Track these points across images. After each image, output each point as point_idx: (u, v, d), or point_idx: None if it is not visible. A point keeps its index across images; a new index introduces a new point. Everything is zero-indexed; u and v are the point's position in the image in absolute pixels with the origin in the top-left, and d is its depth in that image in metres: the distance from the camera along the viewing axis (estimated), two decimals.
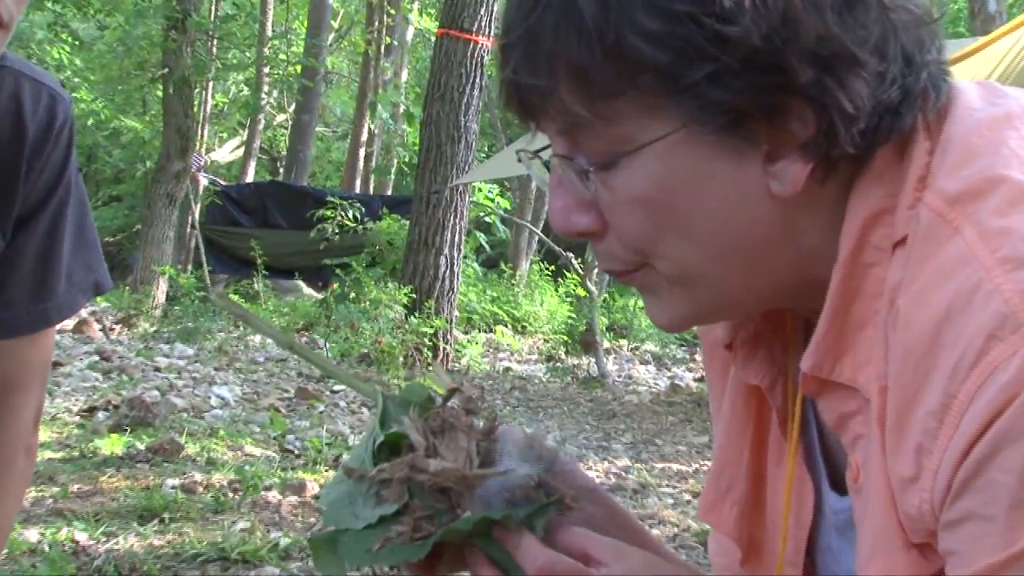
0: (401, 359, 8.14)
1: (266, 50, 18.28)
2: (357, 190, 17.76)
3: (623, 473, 5.59)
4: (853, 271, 0.76)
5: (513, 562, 0.81)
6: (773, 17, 0.71)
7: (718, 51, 0.71)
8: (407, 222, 10.08)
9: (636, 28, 0.71)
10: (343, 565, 0.82)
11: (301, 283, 14.40)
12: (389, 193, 19.67)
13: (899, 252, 0.75)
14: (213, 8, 15.57)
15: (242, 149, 21.36)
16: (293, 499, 4.25)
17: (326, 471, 4.81)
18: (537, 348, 12.29)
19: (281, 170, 21.47)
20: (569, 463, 0.93)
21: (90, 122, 20.00)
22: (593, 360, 10.00)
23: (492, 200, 12.83)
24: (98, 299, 10.93)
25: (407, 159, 16.00)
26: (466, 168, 9.14)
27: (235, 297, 13.12)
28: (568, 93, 0.74)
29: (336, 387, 7.50)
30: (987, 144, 0.74)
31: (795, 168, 0.75)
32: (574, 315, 12.48)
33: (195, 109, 13.87)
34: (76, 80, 19.26)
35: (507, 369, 10.04)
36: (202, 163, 14.75)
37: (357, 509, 0.82)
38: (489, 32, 9.05)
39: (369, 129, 18.78)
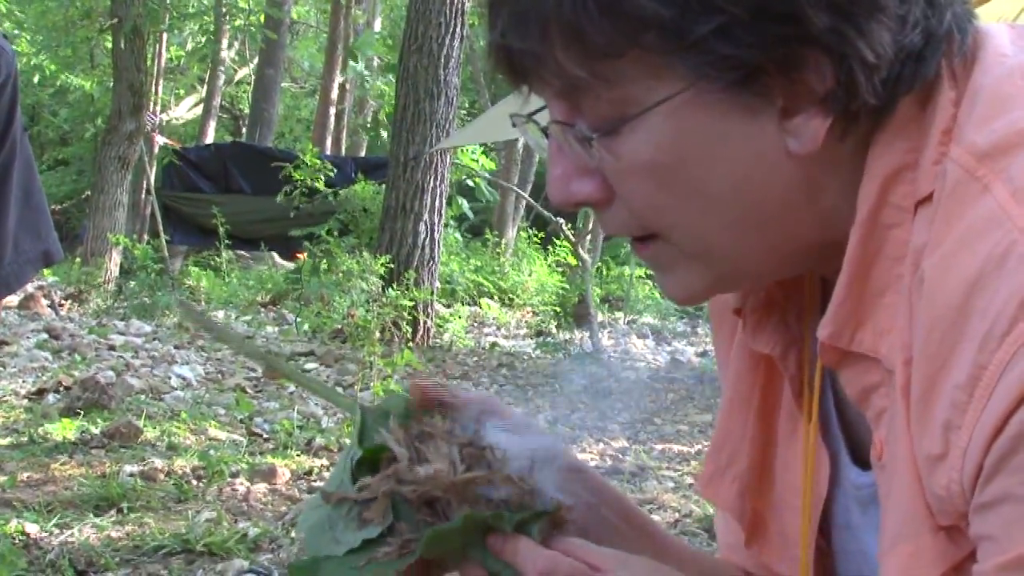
0: (377, 334, 8.15)
1: None
2: (328, 151, 17.70)
3: (620, 455, 5.64)
4: (872, 232, 0.77)
5: (512, 571, 0.82)
6: None
7: (726, 2, 0.71)
8: (383, 187, 10.07)
9: None
10: None
11: (275, 254, 14.38)
12: (363, 155, 19.61)
13: (922, 211, 0.75)
14: None
15: (201, 107, 21.23)
16: (262, 486, 4.27)
17: (297, 455, 4.84)
18: (526, 322, 12.33)
19: (244, 130, 21.36)
20: (576, 463, 0.94)
21: (36, 79, 19.81)
22: (587, 334, 10.04)
23: (476, 161, 12.80)
24: (46, 272, 10.90)
25: (386, 111, 15.91)
26: (446, 126, 9.11)
27: (195, 269, 13.10)
28: (564, 55, 0.74)
29: (307, 365, 7.52)
30: (1019, 93, 0.74)
31: (814, 123, 0.75)
32: (566, 286, 12.51)
33: (148, 63, 13.76)
34: (16, 32, 19.07)
35: (494, 344, 10.07)
36: (156, 122, 14.66)
37: (338, 534, 0.83)
38: None
39: (341, 84, 18.68)
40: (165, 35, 17.24)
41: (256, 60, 20.40)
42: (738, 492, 0.99)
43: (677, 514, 4.43)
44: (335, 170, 12.32)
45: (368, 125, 20.10)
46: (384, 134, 20.35)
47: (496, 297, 13.24)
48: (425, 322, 9.15)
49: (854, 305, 0.78)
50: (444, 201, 9.47)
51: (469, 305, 12.57)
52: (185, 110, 22.52)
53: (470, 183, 13.51)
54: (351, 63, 15.79)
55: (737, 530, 1.00)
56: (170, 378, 6.48)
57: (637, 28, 0.72)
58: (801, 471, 0.93)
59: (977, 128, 0.74)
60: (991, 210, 0.69)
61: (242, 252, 14.00)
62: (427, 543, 0.81)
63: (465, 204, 13.29)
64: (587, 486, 0.95)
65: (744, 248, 0.81)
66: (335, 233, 10.48)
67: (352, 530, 0.83)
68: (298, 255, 12.10)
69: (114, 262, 12.09)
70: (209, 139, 19.22)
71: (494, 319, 12.14)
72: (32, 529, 3.53)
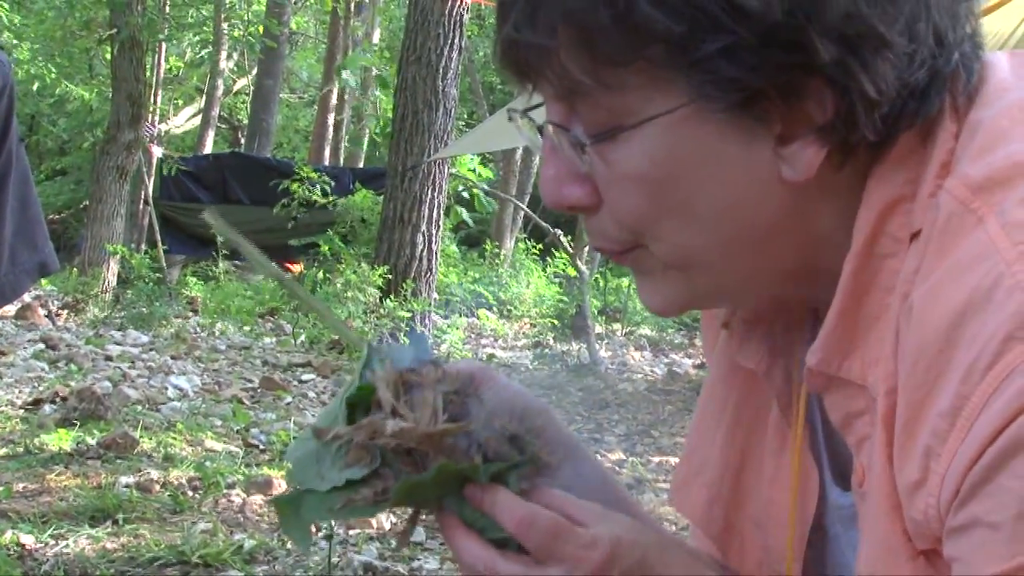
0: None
1: (224, 6, 18.16)
2: (326, 162, 17.71)
3: (617, 467, 5.64)
4: (867, 262, 0.77)
5: (489, 522, 0.82)
6: None
7: (735, 24, 0.71)
8: (381, 197, 10.08)
9: None
10: (308, 529, 0.85)
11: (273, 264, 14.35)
12: (361, 165, 19.63)
13: (916, 243, 0.75)
14: None
15: (199, 117, 21.25)
16: (258, 498, 4.27)
17: None
18: (523, 333, 12.33)
19: (243, 140, 21.38)
20: (556, 428, 0.92)
21: (35, 87, 19.80)
22: (584, 346, 10.04)
23: (474, 171, 12.81)
24: (43, 282, 10.89)
25: (379, 127, 15.97)
26: (444, 137, 9.13)
27: (193, 280, 13.10)
28: (570, 57, 0.75)
29: (304, 376, 7.51)
30: (1016, 127, 0.75)
31: (809, 152, 0.75)
32: (563, 297, 12.52)
33: (147, 73, 13.78)
34: (15, 41, 19.09)
35: (491, 356, 10.07)
36: (154, 134, 14.66)
37: (324, 469, 0.84)
38: None
39: (340, 94, 18.72)
40: (164, 45, 17.26)
41: (255, 71, 20.44)
42: (707, 501, 0.99)
43: (674, 527, 4.43)
44: (333, 181, 12.33)
45: (362, 134, 20.10)
46: (368, 144, 20.40)
47: (494, 309, 13.25)
48: (422, 332, 9.14)
49: (845, 333, 0.78)
50: (442, 212, 9.48)
51: (467, 316, 12.58)
52: (183, 120, 22.55)
53: (467, 194, 13.52)
54: (341, 75, 15.82)
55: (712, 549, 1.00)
56: (167, 389, 6.48)
57: (645, 40, 0.72)
58: (788, 485, 0.93)
59: (973, 161, 0.74)
60: (982, 243, 0.69)
61: (237, 263, 13.99)
62: (399, 493, 0.81)
63: (464, 212, 13.28)
64: (595, 479, 0.94)
65: (726, 267, 0.81)
66: (335, 241, 10.47)
67: (338, 468, 0.83)
68: (289, 267, 12.10)
69: (112, 272, 12.08)
70: (207, 149, 19.23)
71: (492, 331, 12.14)
72: (27, 540, 3.53)
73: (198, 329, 9.58)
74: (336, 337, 8.74)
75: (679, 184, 0.77)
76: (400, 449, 0.82)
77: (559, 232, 11.46)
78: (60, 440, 4.87)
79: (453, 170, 11.13)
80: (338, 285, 9.28)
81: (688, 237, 0.79)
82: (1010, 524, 0.64)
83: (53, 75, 19.76)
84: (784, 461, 0.94)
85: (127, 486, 4.23)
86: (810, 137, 0.75)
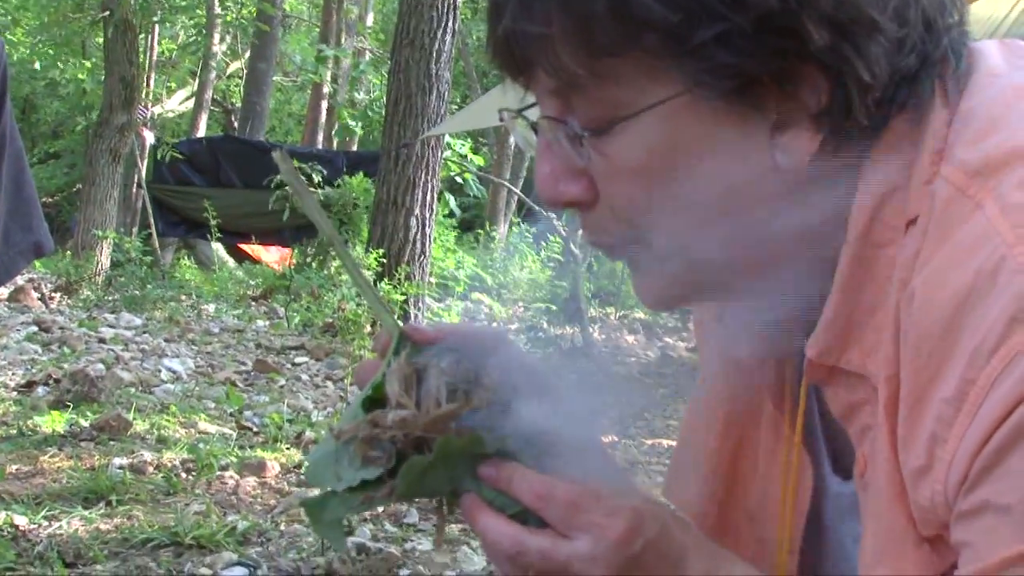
0: (368, 328, 8.15)
1: None
2: (320, 146, 17.66)
3: (610, 450, 5.65)
4: (863, 251, 0.77)
5: (508, 500, 0.81)
6: None
7: (730, 11, 0.71)
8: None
9: None
10: (338, 528, 0.85)
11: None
12: (355, 149, 19.58)
13: (913, 230, 0.75)
14: None
15: (192, 101, 21.17)
16: (251, 480, 4.28)
17: (287, 449, 4.84)
18: (517, 317, 12.34)
19: (236, 124, 21.31)
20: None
21: (36, 65, 19.65)
22: (578, 329, 10.05)
23: (464, 157, 12.77)
24: (36, 264, 10.86)
25: (376, 116, 15.92)
26: (438, 121, 9.11)
27: (186, 263, 13.07)
28: (565, 48, 0.75)
29: (298, 359, 7.52)
30: (1010, 113, 0.75)
31: (804, 139, 0.76)
32: (557, 281, 12.51)
33: (140, 56, 13.72)
34: (7, 19, 18.96)
35: None
36: (146, 116, 14.59)
37: (341, 469, 0.84)
38: None
39: (333, 78, 18.64)
40: (157, 28, 17.17)
41: (248, 54, 20.35)
42: (700, 493, 1.00)
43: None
44: (326, 164, 12.29)
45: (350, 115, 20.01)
46: (369, 133, 20.33)
47: (488, 292, 13.24)
48: (416, 316, 9.14)
49: (844, 323, 0.79)
50: (435, 196, 9.46)
51: (461, 300, 12.58)
52: (177, 103, 22.47)
53: (459, 179, 13.48)
54: (321, 67, 15.77)
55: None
56: (160, 371, 6.48)
57: (641, 28, 0.73)
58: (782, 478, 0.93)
59: (968, 147, 0.75)
60: (982, 227, 0.70)
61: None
62: (406, 477, 0.81)
63: (452, 200, 13.24)
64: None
65: (723, 258, 0.81)
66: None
67: (355, 468, 0.83)
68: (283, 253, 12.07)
69: (104, 255, 12.06)
70: (201, 132, 19.16)
71: (485, 314, 12.15)
72: (21, 521, 3.53)
73: (191, 312, 9.57)
74: (330, 320, 8.74)
75: (676, 174, 0.77)
76: (410, 442, 0.82)
77: (553, 216, 11.45)
78: (53, 422, 4.87)
79: (446, 153, 11.10)
80: (332, 268, 9.26)
81: (684, 226, 0.79)
82: (1021, 506, 0.64)
83: (50, 55, 19.64)
84: (778, 454, 0.94)
85: (120, 468, 4.23)
86: (805, 123, 0.76)
